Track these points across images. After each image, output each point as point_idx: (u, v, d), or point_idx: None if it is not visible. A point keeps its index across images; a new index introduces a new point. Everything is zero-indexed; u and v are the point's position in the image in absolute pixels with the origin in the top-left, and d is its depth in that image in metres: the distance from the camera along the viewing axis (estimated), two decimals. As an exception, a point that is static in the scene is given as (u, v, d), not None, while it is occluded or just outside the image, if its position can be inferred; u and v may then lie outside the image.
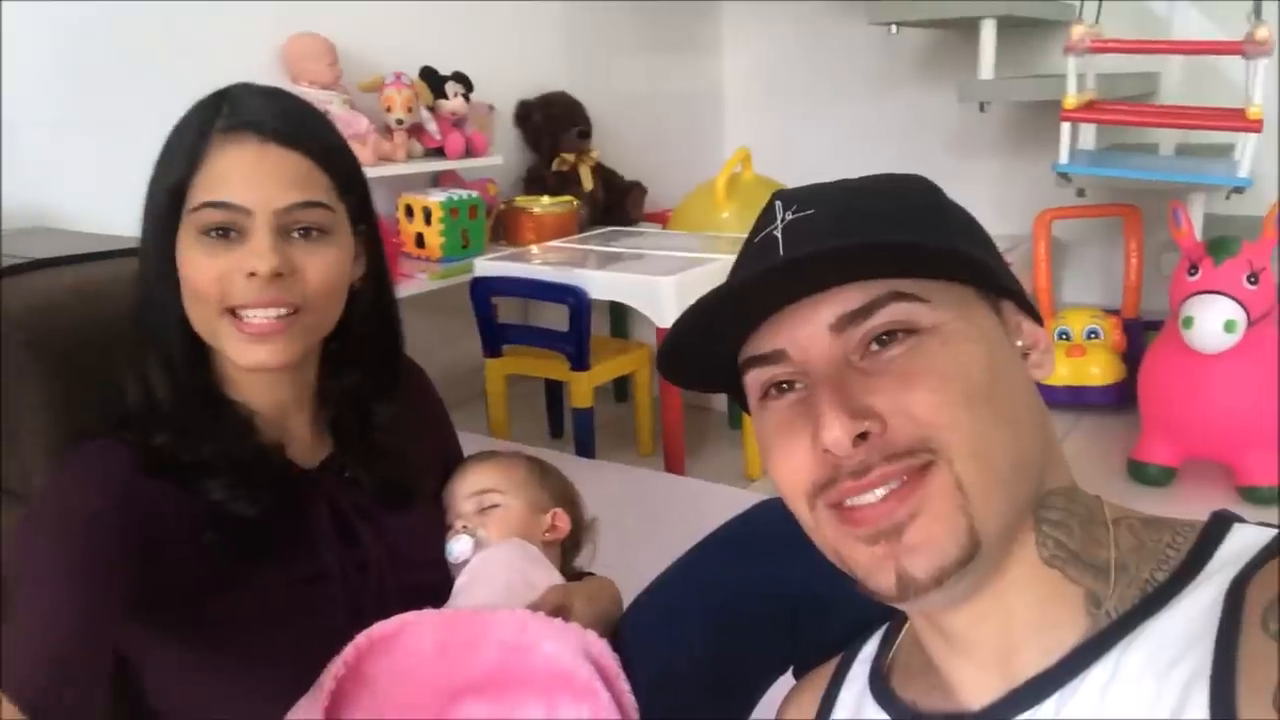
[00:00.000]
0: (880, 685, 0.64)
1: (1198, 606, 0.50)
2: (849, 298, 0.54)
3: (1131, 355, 2.57)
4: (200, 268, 0.80)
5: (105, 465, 0.80)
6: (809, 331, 0.55)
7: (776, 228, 0.58)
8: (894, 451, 0.52)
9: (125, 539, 0.75)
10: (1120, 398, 2.56)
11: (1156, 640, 0.50)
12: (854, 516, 0.53)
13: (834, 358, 0.54)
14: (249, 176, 0.80)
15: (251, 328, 0.80)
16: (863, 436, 0.52)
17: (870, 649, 0.68)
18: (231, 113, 0.81)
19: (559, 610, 0.85)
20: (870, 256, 0.53)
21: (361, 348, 0.93)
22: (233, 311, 0.80)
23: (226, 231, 0.80)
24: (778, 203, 0.60)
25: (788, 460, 0.55)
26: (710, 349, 0.60)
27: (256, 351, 0.80)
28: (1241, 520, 0.54)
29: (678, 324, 0.57)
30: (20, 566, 0.73)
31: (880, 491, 0.52)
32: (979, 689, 0.56)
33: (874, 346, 0.54)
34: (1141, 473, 2.23)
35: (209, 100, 0.83)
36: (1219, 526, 0.54)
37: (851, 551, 0.54)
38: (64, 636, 0.68)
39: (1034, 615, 0.54)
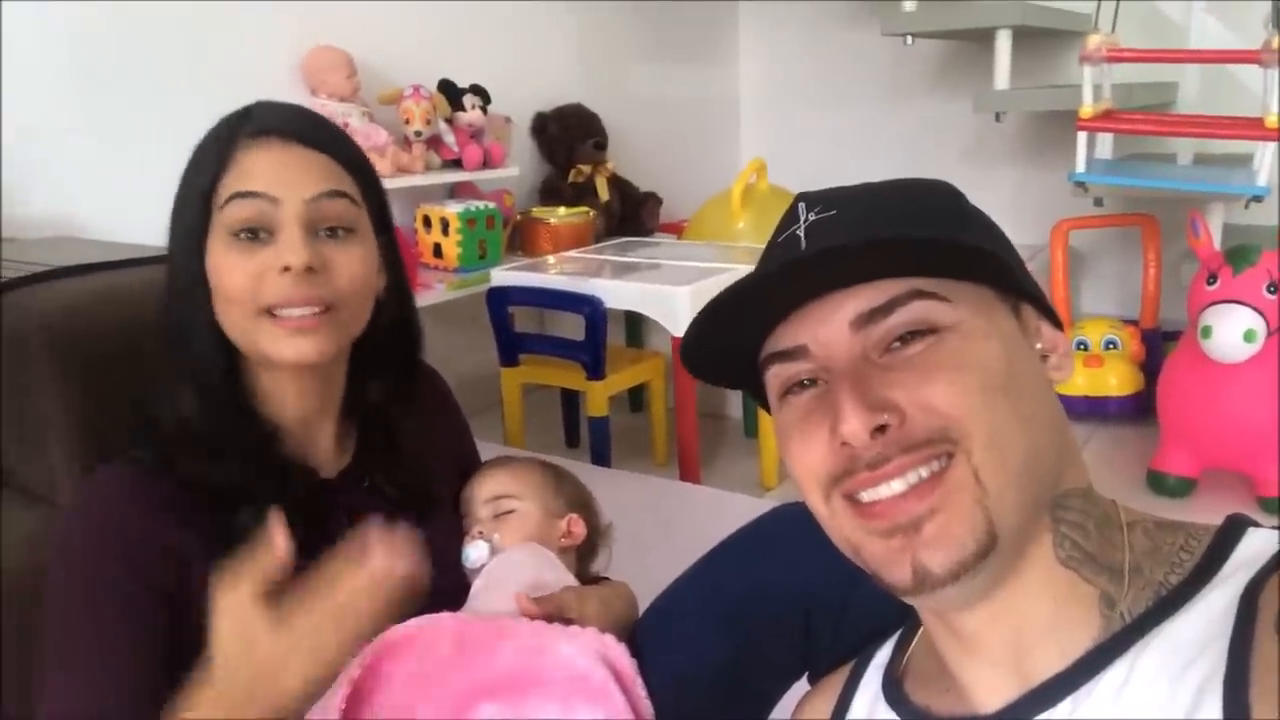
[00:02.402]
0: (894, 690, 0.64)
1: (1212, 610, 0.50)
2: (870, 295, 0.54)
3: (1150, 366, 2.55)
4: (233, 268, 0.81)
5: (124, 507, 0.81)
6: (830, 328, 0.55)
7: (800, 227, 0.58)
8: (912, 443, 0.52)
9: (154, 595, 0.79)
10: (1139, 408, 2.55)
11: (1171, 643, 0.50)
12: (872, 510, 0.53)
13: (854, 354, 0.55)
14: (277, 170, 0.82)
15: (289, 323, 0.81)
16: (881, 430, 0.52)
17: (884, 654, 0.69)
18: (257, 120, 0.84)
19: (562, 607, 0.86)
20: (892, 254, 0.53)
21: (384, 359, 0.94)
22: (269, 311, 0.81)
23: (256, 233, 0.81)
24: (801, 204, 0.60)
25: (806, 452, 0.56)
26: (732, 344, 0.60)
27: (296, 345, 0.81)
28: (1256, 524, 0.54)
29: (701, 316, 0.58)
30: (58, 628, 0.77)
31: (898, 485, 0.52)
32: (993, 691, 0.56)
33: (894, 344, 0.54)
34: (1160, 483, 2.22)
35: (234, 113, 0.86)
36: (1233, 530, 0.54)
37: (867, 544, 0.54)
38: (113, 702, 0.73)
39: (1048, 616, 0.54)
